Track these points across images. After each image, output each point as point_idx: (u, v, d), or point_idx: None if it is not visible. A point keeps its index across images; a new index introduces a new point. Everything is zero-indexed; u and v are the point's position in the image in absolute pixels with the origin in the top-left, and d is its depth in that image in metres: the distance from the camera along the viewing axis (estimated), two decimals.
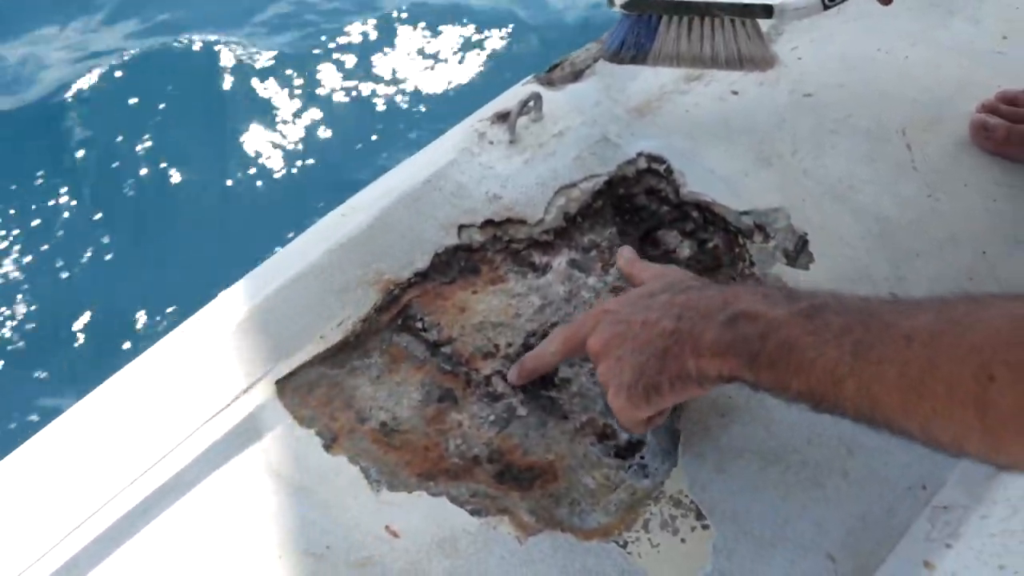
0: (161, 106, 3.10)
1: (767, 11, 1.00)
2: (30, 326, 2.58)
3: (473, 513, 0.78)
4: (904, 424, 0.63)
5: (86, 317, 2.60)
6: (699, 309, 0.72)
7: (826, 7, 0.99)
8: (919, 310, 0.63)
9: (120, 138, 3.01)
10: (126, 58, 3.23)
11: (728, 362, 0.69)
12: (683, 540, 0.78)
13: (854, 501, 0.80)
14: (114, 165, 2.97)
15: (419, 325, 0.90)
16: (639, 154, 1.03)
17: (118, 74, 3.18)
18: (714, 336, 0.70)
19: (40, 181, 2.89)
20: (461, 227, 0.96)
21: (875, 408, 0.63)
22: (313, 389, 0.85)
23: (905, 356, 0.61)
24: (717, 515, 0.79)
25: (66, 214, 2.84)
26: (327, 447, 0.81)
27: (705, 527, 0.78)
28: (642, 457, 0.83)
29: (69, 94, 3.12)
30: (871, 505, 0.80)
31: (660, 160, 1.02)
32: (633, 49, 1.03)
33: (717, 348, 0.69)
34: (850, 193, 1.01)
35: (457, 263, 0.95)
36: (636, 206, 1.01)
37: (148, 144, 2.99)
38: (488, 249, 0.96)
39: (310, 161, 3.02)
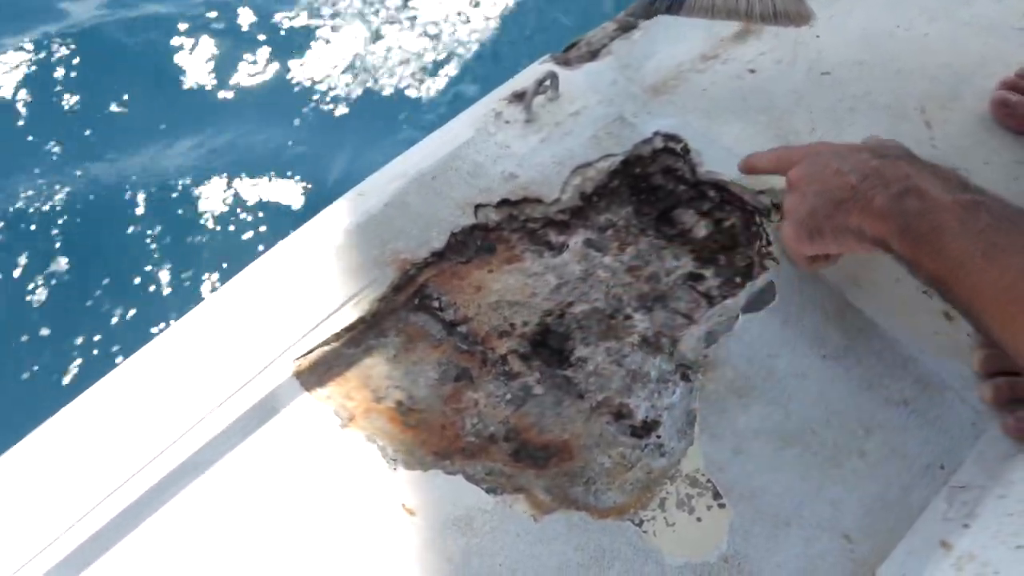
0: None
1: None
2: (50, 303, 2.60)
3: (489, 491, 0.78)
4: (1002, 332, 0.68)
5: (108, 292, 2.62)
6: (883, 175, 0.78)
7: None
8: None
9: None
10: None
11: (885, 226, 0.76)
12: (699, 519, 0.78)
13: (871, 481, 0.80)
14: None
15: (435, 304, 0.91)
16: (655, 133, 1.02)
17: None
18: (882, 202, 0.76)
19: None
20: (477, 207, 0.96)
21: (982, 310, 0.70)
22: (330, 368, 0.86)
23: (1020, 264, 0.67)
24: (734, 495, 0.79)
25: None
26: (344, 426, 0.82)
27: (722, 506, 0.78)
28: (659, 436, 0.83)
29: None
30: (888, 485, 0.80)
31: (676, 139, 1.02)
32: None
33: (881, 212, 0.76)
34: None
35: (473, 242, 0.95)
36: (652, 185, 1.00)
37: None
38: (504, 228, 0.96)
39: (321, 139, 3.02)
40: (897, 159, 0.81)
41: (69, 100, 3.06)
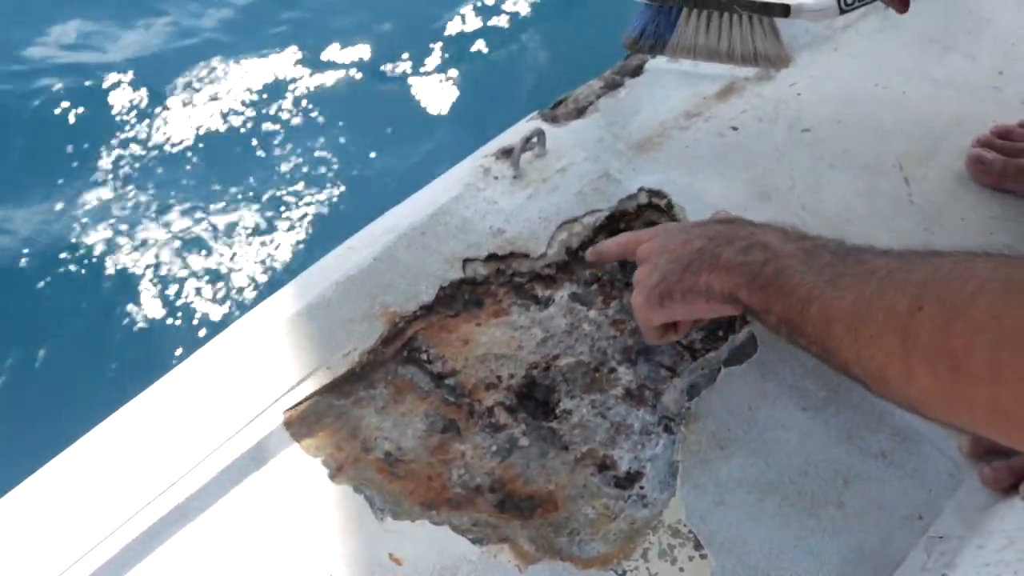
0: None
1: (784, 10, 1.02)
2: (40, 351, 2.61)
3: (474, 542, 0.80)
4: (846, 354, 0.69)
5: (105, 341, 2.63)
6: (728, 236, 0.82)
7: (843, 11, 1.01)
8: (893, 252, 0.70)
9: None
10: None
11: (732, 279, 0.79)
12: (681, 569, 0.79)
13: (850, 531, 0.82)
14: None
15: (424, 357, 0.92)
16: (640, 189, 1.05)
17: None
18: (728, 257, 0.80)
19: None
20: (466, 261, 0.98)
21: (828, 335, 0.70)
22: (320, 419, 0.87)
23: (862, 286, 0.68)
24: (715, 545, 0.80)
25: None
26: (332, 476, 0.83)
27: (703, 557, 0.80)
28: (641, 487, 0.84)
29: None
30: (867, 535, 0.82)
31: (660, 195, 1.05)
32: (652, 38, 1.05)
33: (728, 266, 0.79)
34: (847, 227, 1.03)
35: (461, 296, 0.97)
36: None
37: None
38: (492, 283, 0.98)
39: (321, 189, 3.05)
40: (742, 223, 0.86)
41: None
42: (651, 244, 0.88)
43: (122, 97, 3.21)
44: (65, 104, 3.16)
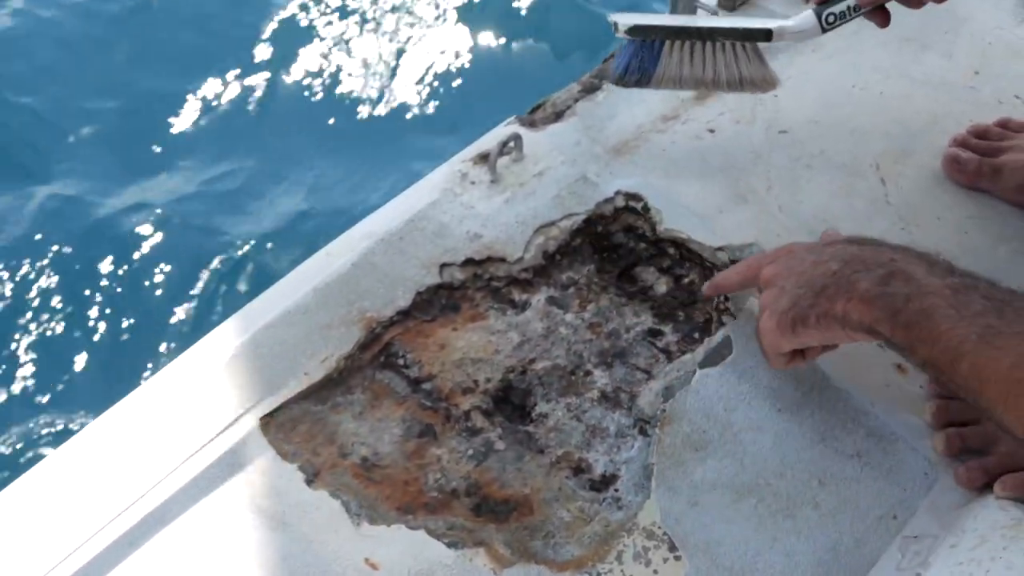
0: None
1: (767, 35, 1.02)
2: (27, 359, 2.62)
3: (450, 545, 0.80)
4: (1003, 414, 0.67)
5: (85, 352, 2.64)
6: (864, 260, 0.77)
7: (824, 30, 1.02)
8: None
9: None
10: None
11: (872, 312, 0.74)
12: (655, 571, 0.79)
13: (825, 532, 0.82)
14: None
15: (401, 362, 0.93)
16: (617, 192, 1.05)
17: None
18: (867, 286, 0.75)
19: None
20: (443, 266, 0.99)
21: (982, 391, 0.68)
22: (297, 425, 0.88)
23: (1021, 350, 0.65)
24: (690, 547, 0.81)
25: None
26: (309, 481, 0.83)
27: (677, 558, 0.80)
28: (616, 490, 0.85)
29: None
30: (841, 535, 0.82)
31: (637, 198, 1.05)
32: (637, 73, 1.05)
33: (866, 296, 0.74)
34: (824, 227, 1.03)
35: (438, 301, 0.97)
36: (614, 244, 1.03)
37: None
38: (469, 287, 0.99)
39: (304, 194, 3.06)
40: (878, 246, 0.80)
41: None
42: (777, 266, 0.84)
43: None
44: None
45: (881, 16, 1.00)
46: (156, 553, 0.79)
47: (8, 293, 2.76)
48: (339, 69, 3.42)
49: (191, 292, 2.80)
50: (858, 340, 0.79)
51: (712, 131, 1.14)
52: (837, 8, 0.99)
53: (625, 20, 1.01)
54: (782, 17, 1.03)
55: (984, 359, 0.67)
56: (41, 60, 3.36)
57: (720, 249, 1.00)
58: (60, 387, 2.56)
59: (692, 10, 1.25)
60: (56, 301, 2.76)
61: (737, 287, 0.93)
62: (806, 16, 1.01)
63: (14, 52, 3.36)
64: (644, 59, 1.04)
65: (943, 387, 0.73)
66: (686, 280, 1.00)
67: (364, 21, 3.54)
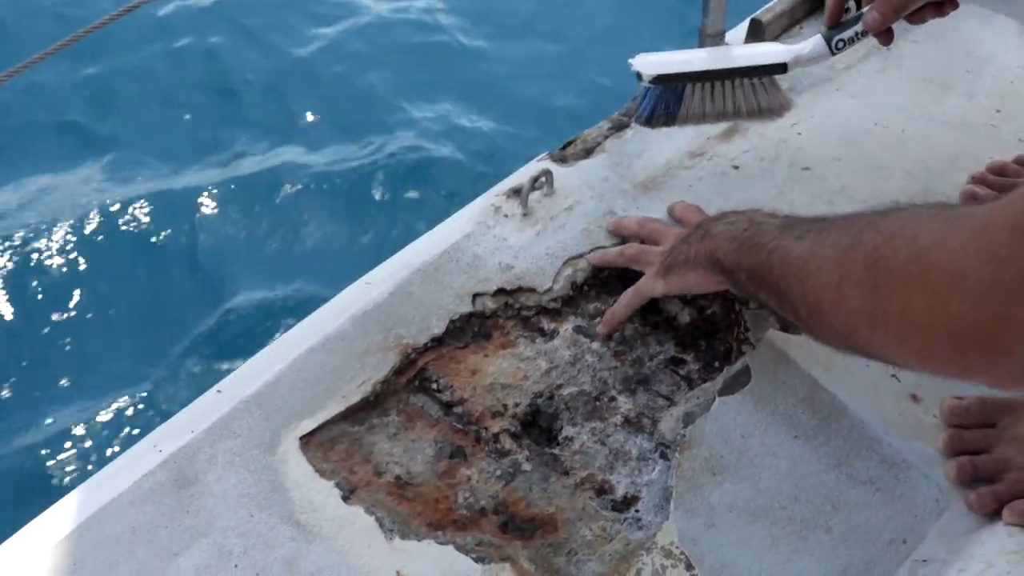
0: None
1: (782, 68, 1.08)
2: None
3: (477, 560, 0.84)
4: (794, 293, 0.78)
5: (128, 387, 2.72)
6: (726, 214, 0.94)
7: (834, 53, 1.06)
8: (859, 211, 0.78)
9: None
10: None
11: (714, 243, 0.91)
12: None
13: (836, 555, 0.86)
14: None
15: (434, 386, 0.98)
16: None
17: None
18: (718, 228, 0.92)
19: None
20: (475, 295, 1.04)
21: (783, 278, 0.79)
22: (335, 445, 0.93)
23: (817, 235, 0.78)
24: (705, 566, 0.85)
25: None
26: (345, 498, 0.88)
27: None
28: (637, 511, 0.89)
29: None
30: (852, 558, 0.85)
31: None
32: (663, 116, 1.11)
33: (713, 233, 0.91)
34: None
35: (471, 329, 1.03)
36: (640, 276, 1.08)
37: None
38: (500, 316, 1.04)
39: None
40: (744, 209, 0.94)
41: None
42: (668, 227, 1.04)
43: None
44: None
45: (885, 35, 1.04)
46: (197, 563, 0.83)
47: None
48: None
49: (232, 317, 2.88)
50: (710, 286, 0.95)
51: (737, 167, 1.18)
52: (846, 34, 1.04)
53: (648, 69, 1.07)
54: (795, 44, 1.08)
55: (790, 247, 0.79)
56: None
57: None
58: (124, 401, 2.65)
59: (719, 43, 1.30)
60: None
61: (632, 234, 1.08)
62: (816, 43, 1.06)
63: None
64: (668, 103, 1.09)
65: (759, 300, 0.87)
66: (708, 311, 1.04)
67: None
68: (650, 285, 0.99)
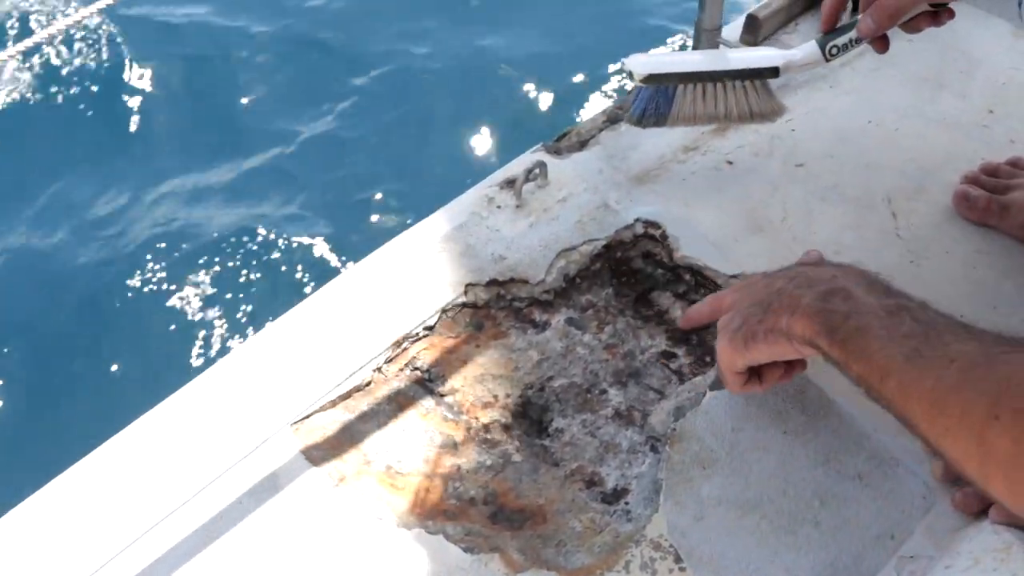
0: None
1: (774, 72, 1.08)
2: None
3: (466, 550, 0.85)
4: (926, 432, 0.71)
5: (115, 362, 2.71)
6: (808, 278, 0.83)
7: (828, 60, 1.06)
8: (972, 338, 0.71)
9: None
10: None
11: (813, 326, 0.78)
12: None
13: (824, 549, 0.86)
14: None
15: (426, 376, 0.98)
16: (636, 220, 1.10)
17: None
18: (809, 301, 0.79)
19: None
20: (468, 286, 1.04)
21: (906, 410, 0.72)
22: (326, 432, 0.93)
23: (942, 373, 0.69)
24: (694, 559, 0.85)
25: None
26: (335, 485, 0.88)
27: (682, 570, 0.84)
28: (627, 503, 0.89)
29: None
30: (840, 553, 0.86)
31: (656, 225, 1.10)
32: (654, 116, 1.10)
33: (808, 311, 0.79)
34: (835, 258, 1.06)
35: (463, 319, 1.03)
36: (632, 269, 1.08)
37: None
38: (492, 307, 1.04)
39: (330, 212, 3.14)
40: (823, 266, 0.87)
41: None
42: (735, 294, 0.90)
43: None
44: None
45: (880, 43, 1.04)
46: (189, 552, 0.84)
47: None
48: None
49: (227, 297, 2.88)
50: (805, 355, 0.83)
51: (731, 163, 1.19)
52: (840, 40, 1.04)
53: (640, 68, 1.07)
54: (789, 50, 1.08)
55: (908, 379, 0.71)
56: None
57: (735, 277, 1.05)
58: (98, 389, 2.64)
59: (714, 45, 1.30)
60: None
61: (707, 319, 0.95)
62: (810, 48, 1.06)
63: None
64: (659, 103, 1.09)
65: (873, 400, 0.77)
66: None
67: None
68: (730, 360, 0.87)
